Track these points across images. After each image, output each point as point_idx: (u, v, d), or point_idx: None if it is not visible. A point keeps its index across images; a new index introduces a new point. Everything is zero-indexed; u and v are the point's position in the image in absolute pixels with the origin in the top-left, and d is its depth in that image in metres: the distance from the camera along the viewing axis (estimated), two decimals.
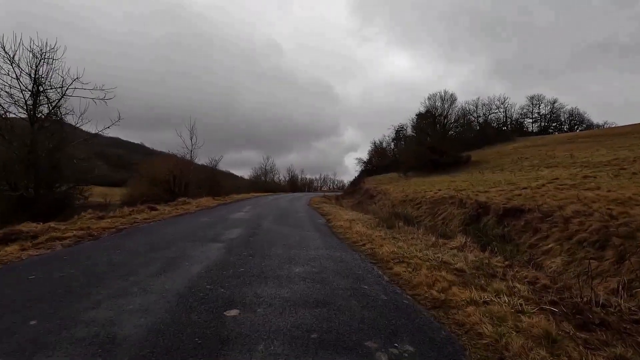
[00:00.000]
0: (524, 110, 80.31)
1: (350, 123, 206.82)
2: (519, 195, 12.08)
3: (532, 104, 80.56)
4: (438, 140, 42.50)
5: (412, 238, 7.44)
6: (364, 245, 7.09)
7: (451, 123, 43.83)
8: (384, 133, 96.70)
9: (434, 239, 7.17)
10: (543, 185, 13.44)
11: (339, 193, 66.34)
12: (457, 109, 43.02)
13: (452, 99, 42.97)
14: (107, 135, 14.90)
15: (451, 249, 6.29)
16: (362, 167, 69.54)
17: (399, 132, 76.04)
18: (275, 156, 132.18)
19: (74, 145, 13.21)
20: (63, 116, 12.64)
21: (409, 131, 72.48)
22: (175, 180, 25.26)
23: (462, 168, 42.25)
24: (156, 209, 12.47)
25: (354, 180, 62.05)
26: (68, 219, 9.70)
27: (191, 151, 32.70)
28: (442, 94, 43.27)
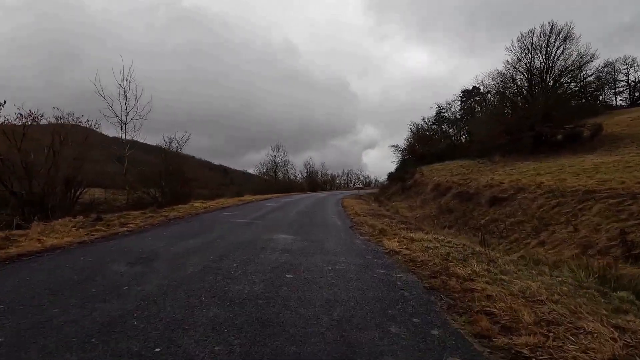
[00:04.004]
0: (601, 81, 60.98)
1: (368, 120, 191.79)
2: None
3: (614, 70, 61.21)
4: (544, 105, 26.03)
5: None
6: None
7: (565, 75, 27.00)
8: (423, 115, 79.88)
9: None
10: None
11: (368, 190, 50.81)
12: (572, 51, 26.14)
13: (567, 34, 26.16)
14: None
15: None
16: (401, 156, 53.29)
17: (440, 114, 59.79)
18: (292, 154, 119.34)
19: None
20: None
21: (456, 106, 56.45)
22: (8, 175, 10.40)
23: (587, 146, 25.55)
24: None
25: (395, 173, 46.08)
26: None
27: (124, 124, 18.04)
28: (547, 28, 26.61)
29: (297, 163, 74.14)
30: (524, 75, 28.30)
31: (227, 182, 62.53)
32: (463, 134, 55.43)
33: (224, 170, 73.23)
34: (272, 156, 53.09)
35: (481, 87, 48.29)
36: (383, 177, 76.64)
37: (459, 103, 58.05)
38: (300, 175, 65.65)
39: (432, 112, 60.53)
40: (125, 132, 17.78)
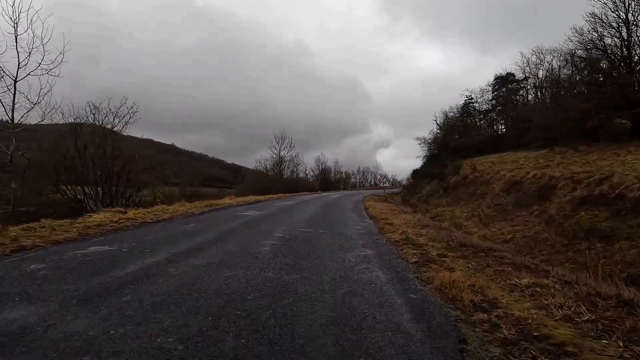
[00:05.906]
0: None
1: (380, 119, 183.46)
2: None
3: None
4: None
5: None
6: None
7: None
8: (451, 104, 72.13)
9: None
10: None
11: (388, 190, 43.33)
12: None
13: None
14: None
15: None
16: (428, 150, 45.49)
17: (468, 105, 52.00)
18: (304, 153, 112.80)
19: None
20: None
21: (489, 92, 48.42)
22: None
23: None
24: None
25: (424, 169, 38.30)
26: None
27: (15, 80, 11.07)
28: None
29: (309, 161, 68.02)
30: (617, 30, 20.22)
31: (237, 180, 57.26)
32: (501, 124, 47.44)
33: (236, 169, 73.59)
34: (276, 149, 45.58)
35: (525, 69, 40.26)
36: (400, 176, 68.96)
37: (492, 91, 49.97)
38: (311, 173, 58.63)
39: (458, 103, 52.63)
40: (15, 92, 10.86)
